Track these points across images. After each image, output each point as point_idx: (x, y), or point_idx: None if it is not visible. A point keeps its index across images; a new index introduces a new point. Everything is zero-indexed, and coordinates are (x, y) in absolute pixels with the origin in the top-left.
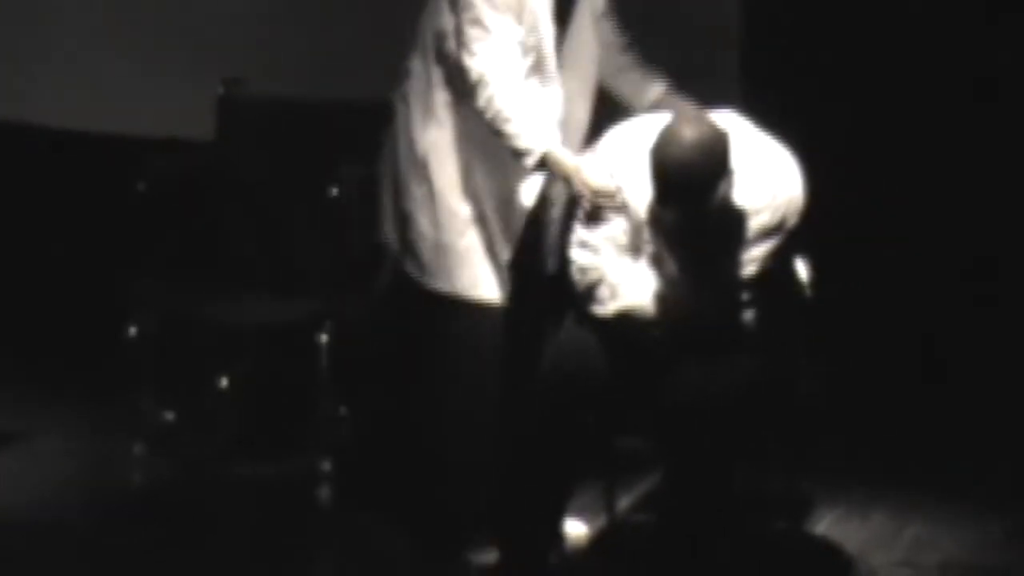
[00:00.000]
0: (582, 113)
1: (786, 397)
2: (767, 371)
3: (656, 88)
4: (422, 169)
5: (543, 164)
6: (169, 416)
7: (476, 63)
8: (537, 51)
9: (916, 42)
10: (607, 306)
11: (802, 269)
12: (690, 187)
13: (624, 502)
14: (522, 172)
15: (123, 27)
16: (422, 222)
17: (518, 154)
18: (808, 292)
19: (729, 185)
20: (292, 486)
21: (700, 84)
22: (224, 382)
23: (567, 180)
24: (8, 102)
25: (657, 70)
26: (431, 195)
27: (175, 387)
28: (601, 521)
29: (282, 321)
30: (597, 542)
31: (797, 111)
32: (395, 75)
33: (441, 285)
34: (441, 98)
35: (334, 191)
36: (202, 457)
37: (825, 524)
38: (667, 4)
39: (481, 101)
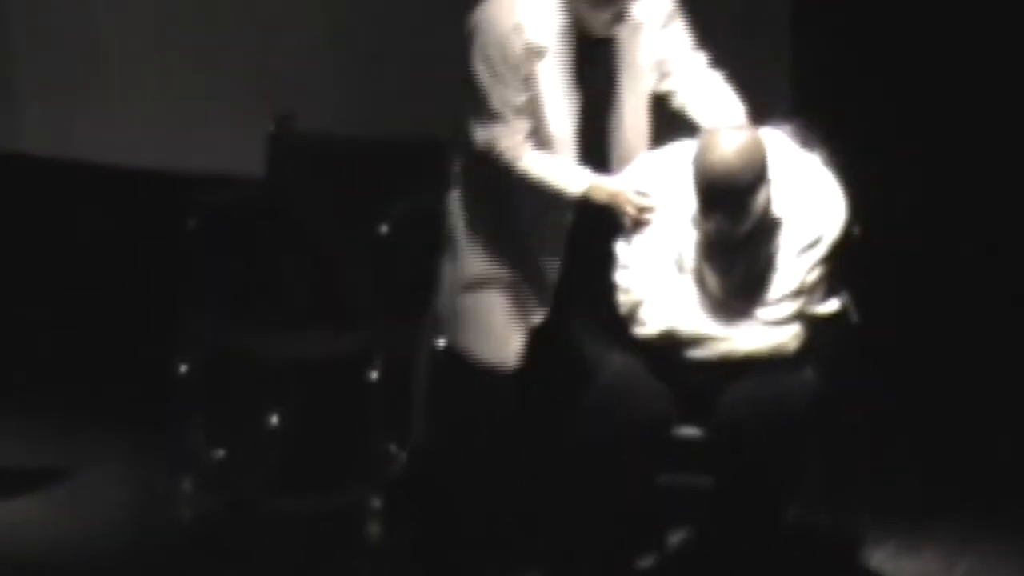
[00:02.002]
0: (640, 143)
1: (835, 418)
2: (824, 387)
3: (735, 113)
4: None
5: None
6: (218, 452)
7: (480, 137)
8: (536, 113)
9: (966, 62)
10: (651, 327)
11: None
12: (734, 191)
13: (675, 538)
14: (547, 232)
15: (175, 63)
16: (442, 277)
17: (560, 197)
18: (853, 315)
19: (768, 194)
20: (341, 523)
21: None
22: (274, 418)
23: (609, 204)
24: (61, 138)
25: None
26: (449, 251)
27: (224, 423)
28: (650, 559)
29: (332, 357)
30: None
31: (847, 128)
32: (443, 113)
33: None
34: (457, 160)
35: (384, 228)
36: (251, 493)
37: (876, 560)
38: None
39: (500, 168)
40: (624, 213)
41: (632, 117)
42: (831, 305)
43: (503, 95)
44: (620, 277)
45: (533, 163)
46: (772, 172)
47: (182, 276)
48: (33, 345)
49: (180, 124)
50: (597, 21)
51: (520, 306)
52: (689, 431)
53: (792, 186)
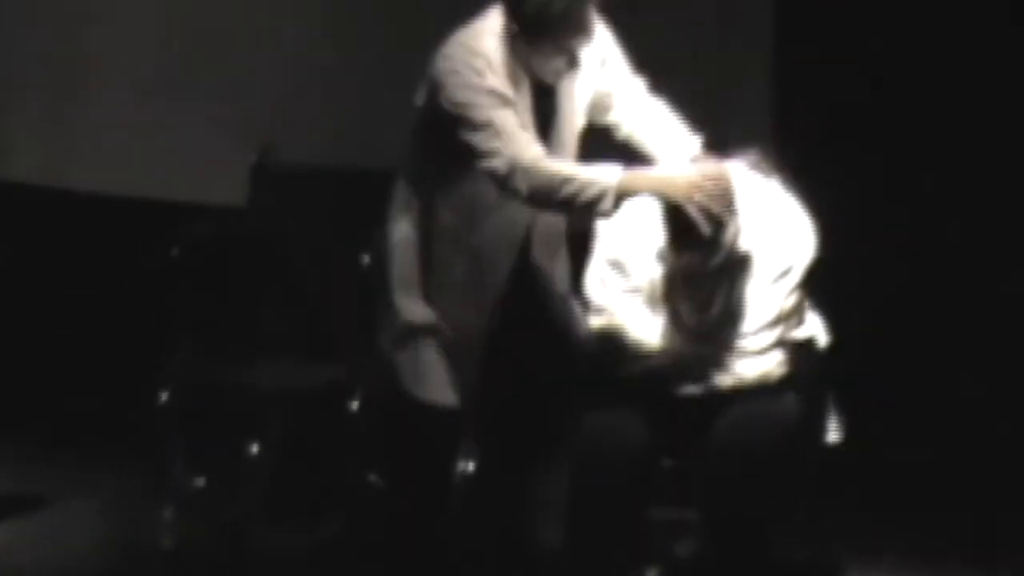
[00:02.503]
0: None
1: (817, 445)
2: (806, 412)
3: (690, 146)
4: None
5: (619, 200)
6: (199, 481)
7: (499, 162)
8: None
9: (951, 89)
10: (634, 364)
11: (817, 320)
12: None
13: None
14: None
15: (158, 94)
16: (382, 321)
17: (595, 203)
18: (824, 338)
19: (737, 226)
20: (321, 552)
21: (729, 128)
22: (254, 448)
23: (660, 196)
24: (43, 167)
25: (687, 124)
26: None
27: (205, 452)
28: None
29: (313, 387)
30: None
31: (829, 159)
32: None
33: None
34: (401, 196)
35: (366, 258)
36: (232, 522)
37: None
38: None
39: (524, 189)
40: (687, 204)
41: (564, 158)
42: (807, 330)
43: (500, 115)
44: (595, 321)
45: (551, 162)
46: (739, 203)
47: (164, 305)
48: (16, 373)
49: (163, 153)
50: (550, 69)
51: (456, 350)
52: (672, 463)
53: (760, 216)
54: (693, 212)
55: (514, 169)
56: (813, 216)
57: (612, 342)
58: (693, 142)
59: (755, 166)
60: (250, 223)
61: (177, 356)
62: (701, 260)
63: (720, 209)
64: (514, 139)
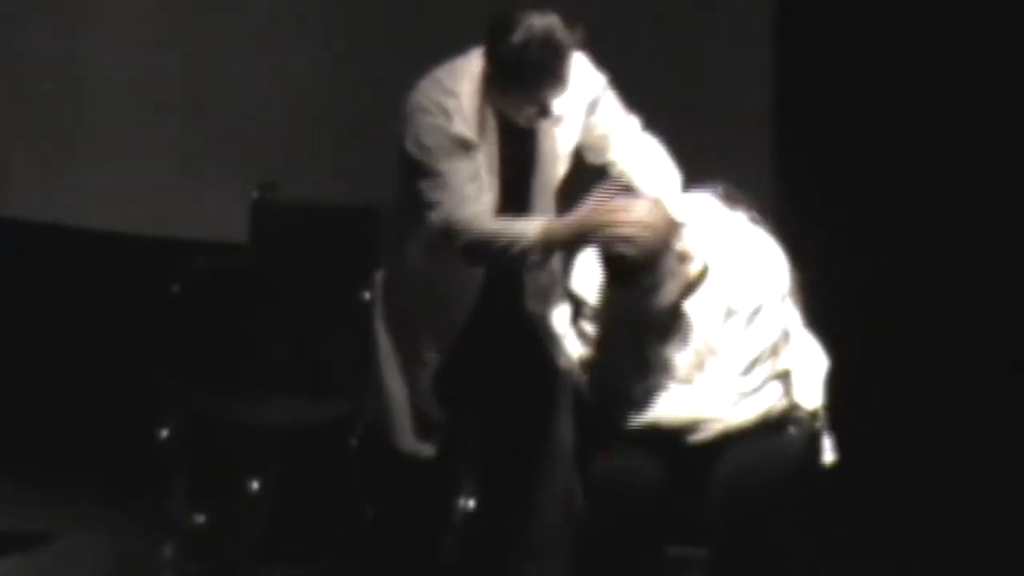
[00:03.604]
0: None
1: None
2: (807, 444)
3: (675, 182)
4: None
5: (549, 250)
6: (199, 518)
7: (437, 215)
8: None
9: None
10: (637, 419)
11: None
12: (631, 263)
13: None
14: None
15: (158, 130)
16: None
17: (522, 256)
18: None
19: (675, 261)
20: None
21: (730, 170)
22: (255, 484)
23: (579, 235)
24: (45, 203)
25: (673, 162)
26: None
27: (206, 489)
28: None
29: (313, 423)
30: None
31: (831, 200)
32: None
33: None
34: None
35: (366, 295)
36: (232, 559)
37: None
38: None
39: (459, 244)
40: (605, 239)
41: (541, 203)
42: (802, 355)
43: (453, 167)
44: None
45: (488, 222)
46: (702, 236)
47: (164, 341)
48: (15, 409)
49: (164, 190)
50: (521, 116)
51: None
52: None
53: (730, 249)
54: (612, 240)
55: (449, 225)
56: (802, 238)
57: (608, 395)
58: (677, 178)
59: (723, 198)
60: (250, 259)
61: (177, 392)
62: (641, 299)
63: (648, 237)
64: (456, 194)
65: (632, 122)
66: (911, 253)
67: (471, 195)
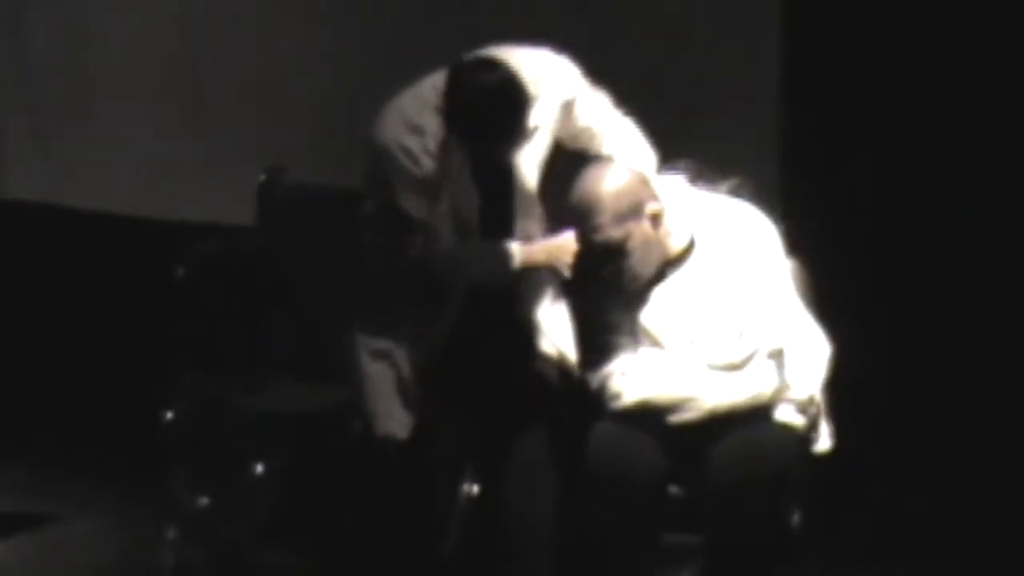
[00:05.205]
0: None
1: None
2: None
3: (648, 161)
4: None
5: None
6: (203, 501)
7: (414, 252)
8: (454, 216)
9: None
10: (624, 399)
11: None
12: (596, 214)
13: None
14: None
15: (165, 113)
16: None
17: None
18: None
19: (648, 226)
20: (325, 573)
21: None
22: (259, 468)
23: (548, 263)
24: (50, 185)
25: (649, 145)
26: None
27: (209, 472)
28: None
29: (318, 408)
30: None
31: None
32: None
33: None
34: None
35: None
36: (235, 543)
37: None
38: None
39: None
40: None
41: (525, 209)
42: (800, 340)
43: (418, 207)
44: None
45: (458, 256)
46: (684, 211)
47: (170, 325)
48: (20, 393)
49: (170, 173)
50: (491, 155)
51: (406, 382)
52: (675, 490)
53: (714, 221)
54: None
55: (428, 260)
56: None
57: (602, 377)
58: (651, 158)
59: (697, 176)
60: (256, 243)
61: (182, 376)
62: (612, 263)
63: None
64: (421, 234)
65: (603, 102)
66: (920, 243)
67: (433, 230)
